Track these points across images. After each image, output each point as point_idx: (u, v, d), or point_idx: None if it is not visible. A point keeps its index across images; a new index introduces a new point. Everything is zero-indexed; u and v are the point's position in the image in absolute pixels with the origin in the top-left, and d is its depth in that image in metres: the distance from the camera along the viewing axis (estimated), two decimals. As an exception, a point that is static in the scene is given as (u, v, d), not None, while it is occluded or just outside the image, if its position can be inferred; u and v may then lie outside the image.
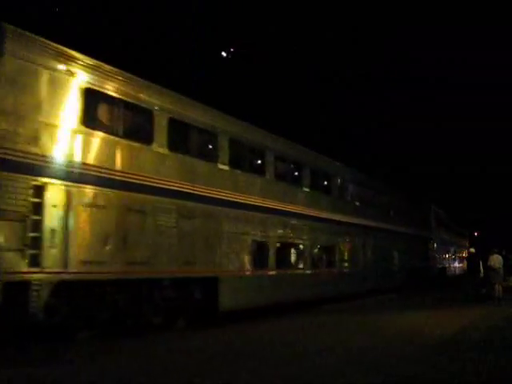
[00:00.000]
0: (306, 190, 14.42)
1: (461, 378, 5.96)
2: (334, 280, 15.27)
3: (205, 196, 10.08)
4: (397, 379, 5.86)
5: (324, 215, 15.06)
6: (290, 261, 13.84)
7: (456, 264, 36.67)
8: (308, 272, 14.04)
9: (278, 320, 11.47)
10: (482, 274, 18.15)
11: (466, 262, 36.82)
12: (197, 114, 10.45)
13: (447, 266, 31.68)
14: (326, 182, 16.24)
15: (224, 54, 23.28)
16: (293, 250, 13.91)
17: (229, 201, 10.74)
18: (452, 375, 6.04)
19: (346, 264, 16.50)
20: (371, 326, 10.46)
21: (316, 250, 14.85)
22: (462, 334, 9.22)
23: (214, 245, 10.34)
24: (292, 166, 14.12)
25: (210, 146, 11.00)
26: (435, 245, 27.79)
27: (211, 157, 10.70)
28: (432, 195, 35.43)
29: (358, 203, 17.85)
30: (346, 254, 16.52)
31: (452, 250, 34.97)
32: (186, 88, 11.95)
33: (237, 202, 11.03)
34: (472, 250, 22.38)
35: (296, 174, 14.34)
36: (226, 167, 10.86)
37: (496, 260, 16.91)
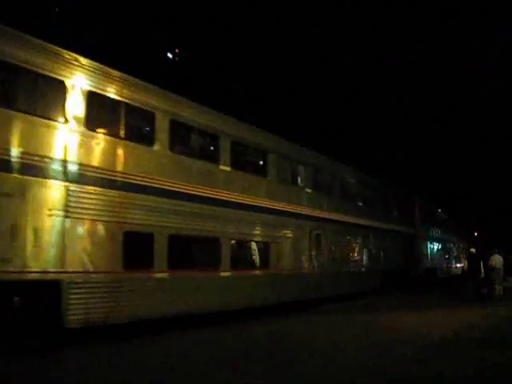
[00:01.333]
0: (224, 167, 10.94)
1: (461, 378, 5.97)
2: (269, 284, 11.98)
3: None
4: (397, 379, 5.85)
5: (251, 201, 11.55)
6: (192, 258, 10.31)
7: (451, 264, 33.24)
8: (223, 274, 10.54)
9: (267, 320, 11.12)
10: (482, 274, 18.25)
11: (464, 261, 35.54)
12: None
13: (438, 266, 28.34)
14: (253, 158, 12.60)
15: (170, 55, 22.48)
16: (200, 245, 10.47)
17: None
18: (452, 375, 6.05)
19: (290, 265, 13.00)
20: (371, 326, 10.43)
21: (237, 245, 11.46)
22: (462, 334, 9.20)
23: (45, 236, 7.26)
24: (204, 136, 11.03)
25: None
26: (421, 243, 24.60)
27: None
28: (432, 195, 35.54)
29: (309, 190, 14.31)
30: (288, 252, 12.97)
31: (445, 248, 31.56)
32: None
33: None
34: (472, 250, 22.42)
35: (207, 146, 11.21)
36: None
37: (496, 260, 17.04)
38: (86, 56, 8.35)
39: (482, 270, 18.35)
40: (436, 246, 28.52)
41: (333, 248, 15.28)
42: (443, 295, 19.03)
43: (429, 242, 26.65)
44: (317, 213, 14.55)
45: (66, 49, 8.00)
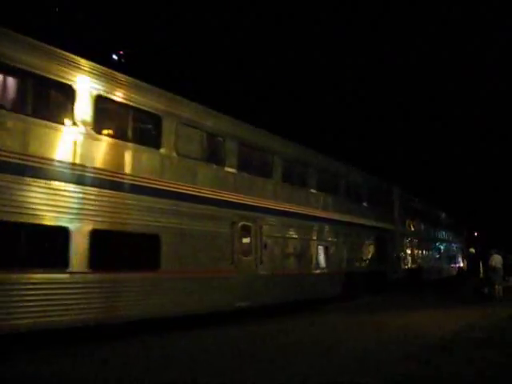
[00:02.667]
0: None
1: (461, 378, 5.98)
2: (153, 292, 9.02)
3: None
4: (397, 379, 5.85)
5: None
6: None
7: (442, 264, 29.93)
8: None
9: (265, 320, 11.15)
10: (482, 275, 18.37)
11: (460, 261, 34.33)
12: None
13: (425, 266, 25.07)
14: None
15: (115, 56, 21.68)
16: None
17: None
18: (452, 375, 6.06)
19: (196, 264, 10.00)
20: (371, 326, 10.46)
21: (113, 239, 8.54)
22: (463, 334, 9.21)
23: None
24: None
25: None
26: (402, 240, 21.30)
27: None
28: (433, 195, 35.26)
29: (231, 169, 11.28)
30: (193, 248, 9.97)
31: (435, 247, 28.48)
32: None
33: None
34: (472, 250, 22.28)
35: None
36: None
37: (496, 260, 17.06)
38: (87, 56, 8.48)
39: (482, 270, 18.43)
40: (422, 245, 25.26)
41: (269, 244, 12.05)
42: (443, 295, 18.84)
43: (413, 240, 23.28)
44: (245, 199, 11.43)
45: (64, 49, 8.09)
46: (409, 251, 22.65)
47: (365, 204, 17.67)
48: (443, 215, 31.56)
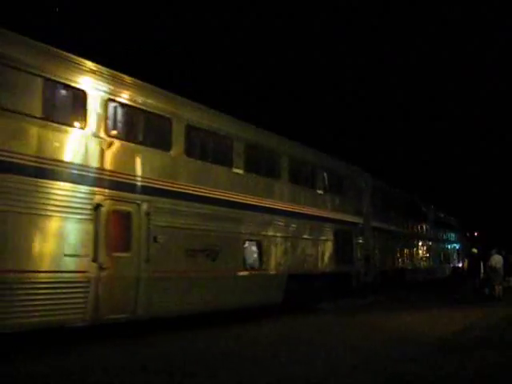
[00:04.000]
0: None
1: (461, 378, 5.98)
2: None
3: None
4: (396, 379, 5.85)
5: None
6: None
7: (432, 264, 26.74)
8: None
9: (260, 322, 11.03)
10: (482, 275, 18.26)
11: (456, 261, 32.42)
12: None
13: (408, 267, 21.97)
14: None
15: None
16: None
17: None
18: (452, 375, 6.05)
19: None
20: (370, 326, 10.43)
21: None
22: (462, 334, 9.19)
23: None
24: None
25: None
26: (374, 237, 17.97)
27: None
28: (435, 195, 34.39)
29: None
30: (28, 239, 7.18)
31: (423, 245, 25.30)
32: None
33: None
34: (474, 250, 22.03)
35: None
36: None
37: (496, 260, 17.09)
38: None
39: (482, 270, 18.34)
40: (406, 242, 22.02)
41: (163, 238, 9.12)
42: (443, 295, 18.79)
43: (392, 237, 20.01)
44: (119, 174, 8.50)
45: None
46: (386, 249, 19.40)
47: (320, 191, 14.31)
48: (433, 210, 28.52)
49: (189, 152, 10.01)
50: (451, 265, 31.93)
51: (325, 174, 14.66)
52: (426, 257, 25.83)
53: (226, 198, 10.70)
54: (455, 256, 33.44)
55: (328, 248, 14.46)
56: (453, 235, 33.57)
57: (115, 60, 9.57)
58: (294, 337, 9.06)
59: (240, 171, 11.28)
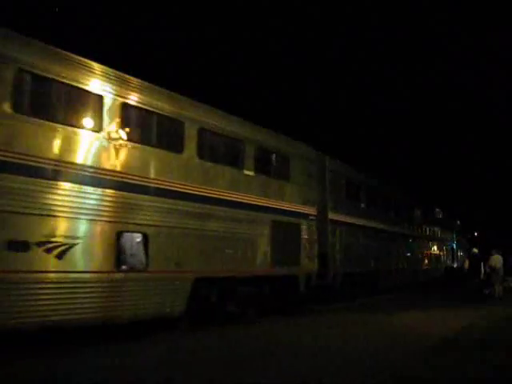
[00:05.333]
0: None
1: (461, 378, 6.01)
2: None
3: None
4: (397, 379, 5.86)
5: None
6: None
7: (417, 265, 23.48)
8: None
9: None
10: (482, 275, 18.61)
11: (450, 261, 30.24)
12: None
13: (385, 268, 18.68)
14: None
15: None
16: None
17: None
18: (452, 375, 6.08)
19: None
20: (369, 326, 10.36)
21: None
22: (462, 334, 9.23)
23: None
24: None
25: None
26: (336, 231, 14.87)
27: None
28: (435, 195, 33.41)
29: None
30: None
31: (405, 244, 21.86)
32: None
33: None
34: (475, 250, 21.82)
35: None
36: None
37: (496, 260, 17.22)
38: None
39: (483, 271, 18.52)
40: (382, 240, 18.66)
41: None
42: (443, 295, 18.61)
43: (360, 233, 16.76)
44: None
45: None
46: (353, 247, 16.12)
47: (249, 173, 11.22)
48: (424, 206, 25.50)
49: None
50: (443, 265, 28.85)
51: (256, 151, 11.54)
52: (409, 257, 22.40)
53: (93, 174, 7.96)
54: (449, 256, 30.39)
55: (261, 244, 11.37)
56: (447, 233, 30.41)
57: (112, 59, 9.64)
58: (293, 337, 9.08)
59: (109, 138, 8.36)
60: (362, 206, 17.27)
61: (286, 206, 12.33)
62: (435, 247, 27.53)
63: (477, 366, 6.51)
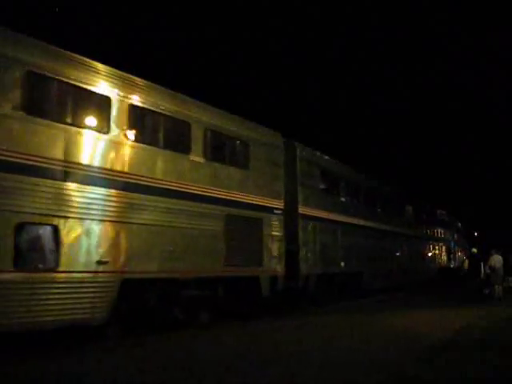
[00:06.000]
0: None
1: (461, 378, 5.97)
2: None
3: None
4: (397, 379, 5.86)
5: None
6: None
7: (408, 265, 21.59)
8: None
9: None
10: (482, 275, 18.32)
11: (446, 261, 28.56)
12: None
13: (369, 268, 16.99)
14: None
15: None
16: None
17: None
18: (452, 375, 6.07)
19: None
20: (369, 326, 10.26)
21: None
22: (462, 334, 9.21)
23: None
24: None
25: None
26: (308, 227, 13.19)
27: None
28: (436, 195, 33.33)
29: None
30: None
31: (394, 242, 20.04)
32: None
33: None
34: (474, 250, 23.03)
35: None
36: None
37: (496, 260, 16.99)
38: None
39: (483, 271, 18.25)
40: (366, 238, 16.96)
41: None
42: (443, 295, 18.51)
43: (339, 229, 14.99)
44: None
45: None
46: (331, 246, 14.33)
47: (198, 159, 9.71)
48: (416, 202, 23.78)
49: None
50: (438, 265, 27.07)
51: (207, 135, 10.03)
52: (398, 256, 20.66)
53: None
54: (445, 255, 28.58)
55: (212, 242, 9.88)
56: (443, 232, 28.56)
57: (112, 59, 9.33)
58: (293, 337, 8.89)
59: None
60: (342, 200, 15.63)
61: (244, 197, 10.82)
62: (429, 246, 25.76)
63: (477, 366, 6.47)
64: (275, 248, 11.64)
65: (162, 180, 8.89)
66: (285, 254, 11.98)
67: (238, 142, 11.03)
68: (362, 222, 16.75)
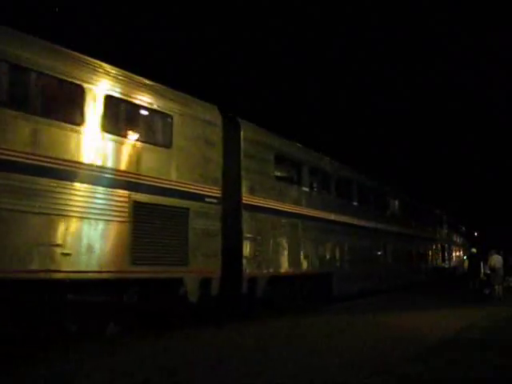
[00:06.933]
0: None
1: (461, 378, 5.96)
2: None
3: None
4: (397, 379, 5.81)
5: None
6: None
7: (393, 265, 19.31)
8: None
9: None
10: (482, 276, 17.80)
11: (440, 260, 27.34)
12: None
13: (345, 270, 14.83)
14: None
15: None
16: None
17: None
18: (452, 375, 6.06)
19: None
20: (370, 326, 10.20)
21: None
22: (463, 334, 9.15)
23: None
24: None
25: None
26: (250, 221, 10.87)
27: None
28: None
29: None
30: None
31: (374, 240, 17.58)
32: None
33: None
34: (474, 250, 21.45)
35: None
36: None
37: (496, 260, 16.95)
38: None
39: (483, 271, 17.94)
40: (337, 234, 14.60)
41: None
42: (443, 295, 18.47)
43: (299, 224, 12.67)
44: None
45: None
46: (291, 243, 12.12)
47: (93, 132, 7.74)
48: (400, 195, 21.38)
49: None
50: (430, 266, 24.95)
51: (107, 103, 7.96)
52: (380, 256, 18.31)
53: None
54: (439, 255, 26.51)
55: (112, 235, 7.82)
56: (438, 230, 26.49)
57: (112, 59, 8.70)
58: (293, 336, 8.68)
59: None
60: (305, 189, 13.32)
61: (161, 181, 8.74)
62: (420, 245, 23.44)
63: (477, 366, 6.46)
64: (207, 244, 9.51)
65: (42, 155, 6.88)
66: (222, 251, 9.92)
67: (156, 113, 8.95)
68: (332, 217, 14.46)
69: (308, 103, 40.32)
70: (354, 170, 17.08)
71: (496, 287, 16.75)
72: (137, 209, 8.30)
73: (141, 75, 8.84)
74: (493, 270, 16.90)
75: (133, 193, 8.26)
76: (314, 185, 14.04)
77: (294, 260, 12.40)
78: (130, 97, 8.53)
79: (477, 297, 16.62)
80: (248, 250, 10.71)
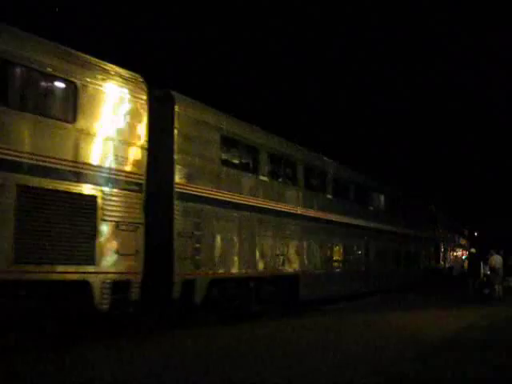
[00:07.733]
0: None
1: (461, 378, 5.94)
2: None
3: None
4: (397, 379, 5.82)
5: None
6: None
7: (377, 266, 17.61)
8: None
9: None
10: (482, 276, 17.82)
11: (435, 261, 26.38)
12: None
13: (316, 272, 13.29)
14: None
15: None
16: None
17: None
18: (452, 375, 6.02)
19: None
20: (370, 326, 10.17)
21: None
22: (463, 334, 9.17)
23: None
24: None
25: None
26: (186, 213, 9.19)
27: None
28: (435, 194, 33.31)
29: None
30: None
31: (354, 237, 15.94)
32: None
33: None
34: (473, 250, 21.68)
35: None
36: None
37: (496, 260, 16.94)
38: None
39: (482, 271, 18.01)
40: (305, 229, 12.97)
41: None
42: (443, 295, 18.50)
43: (254, 217, 11.07)
44: None
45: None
46: (242, 239, 10.51)
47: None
48: (387, 189, 19.78)
49: None
50: (423, 267, 23.35)
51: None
52: (360, 256, 16.52)
53: None
54: (434, 255, 25.06)
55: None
56: (433, 229, 24.91)
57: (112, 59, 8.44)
58: (293, 336, 8.71)
59: None
60: (263, 179, 11.49)
61: (58, 162, 7.10)
62: (411, 244, 21.58)
63: (477, 366, 6.47)
64: (123, 240, 7.82)
65: None
66: (146, 249, 8.25)
67: (49, 78, 7.32)
68: (298, 211, 12.69)
69: (308, 103, 40.18)
70: (329, 160, 15.28)
71: (496, 287, 16.79)
72: (22, 194, 6.70)
73: (141, 75, 8.56)
74: (493, 269, 16.95)
75: (17, 174, 6.66)
76: (276, 174, 12.28)
77: (247, 260, 10.65)
78: (14, 56, 6.90)
79: (476, 297, 16.64)
80: (182, 247, 8.99)
